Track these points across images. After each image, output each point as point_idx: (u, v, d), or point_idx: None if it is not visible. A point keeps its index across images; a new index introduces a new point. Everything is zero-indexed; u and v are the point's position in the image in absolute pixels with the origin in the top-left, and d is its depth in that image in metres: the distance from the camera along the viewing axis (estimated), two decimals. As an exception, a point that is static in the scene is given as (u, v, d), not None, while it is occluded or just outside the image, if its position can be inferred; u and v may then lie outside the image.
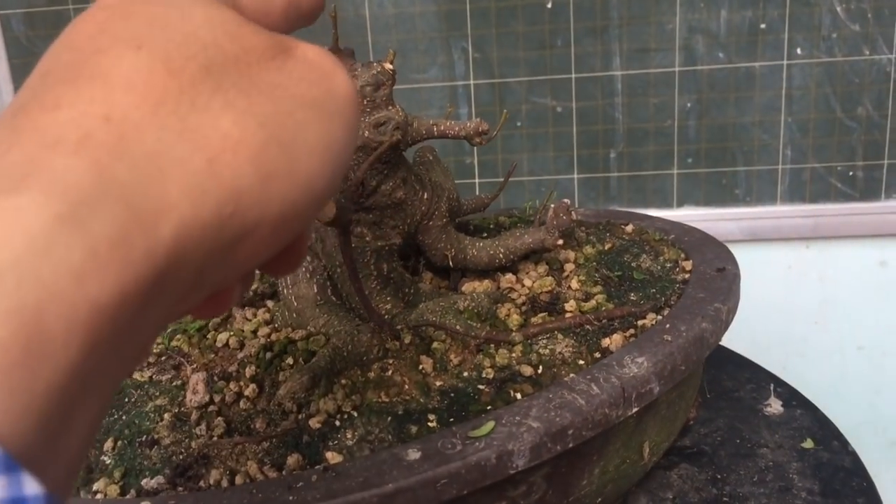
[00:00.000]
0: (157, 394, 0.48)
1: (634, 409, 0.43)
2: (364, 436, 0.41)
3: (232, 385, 0.47)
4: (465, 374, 0.46)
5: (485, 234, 0.65)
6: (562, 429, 0.40)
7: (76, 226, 0.15)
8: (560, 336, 0.49)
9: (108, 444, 0.45)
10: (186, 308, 0.19)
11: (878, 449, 1.21)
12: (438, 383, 0.45)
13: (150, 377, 0.51)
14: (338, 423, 0.42)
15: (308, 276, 0.54)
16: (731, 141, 1.10)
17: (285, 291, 0.54)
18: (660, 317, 0.50)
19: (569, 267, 0.58)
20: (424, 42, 1.10)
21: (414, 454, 0.38)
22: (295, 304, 0.54)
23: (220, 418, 0.45)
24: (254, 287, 0.63)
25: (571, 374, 0.44)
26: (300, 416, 0.44)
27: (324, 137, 0.20)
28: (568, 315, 0.51)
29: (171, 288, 0.17)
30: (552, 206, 0.56)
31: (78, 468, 0.17)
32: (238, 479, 0.40)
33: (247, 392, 0.46)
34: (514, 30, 1.08)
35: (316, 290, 0.54)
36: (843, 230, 1.12)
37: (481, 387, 0.44)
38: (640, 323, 0.50)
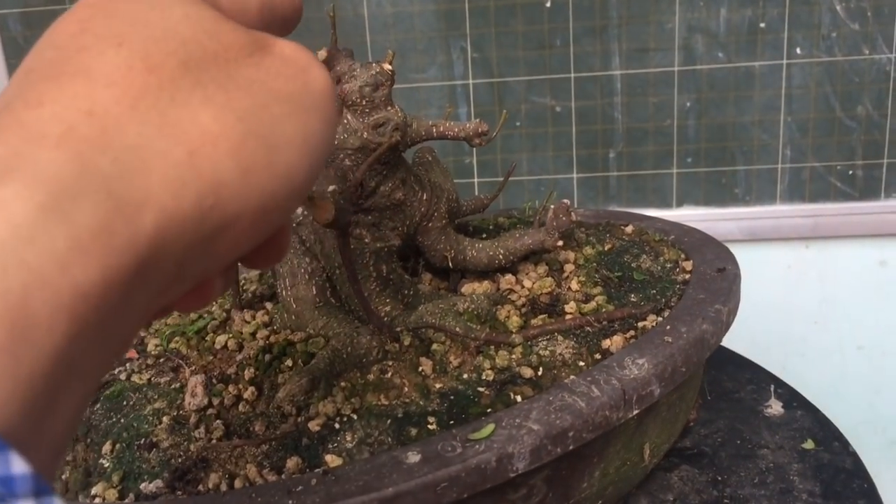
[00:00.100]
0: (156, 397, 0.48)
1: (635, 412, 0.43)
2: (363, 438, 0.41)
3: (231, 388, 0.47)
4: (465, 376, 0.46)
5: (484, 235, 0.65)
6: (562, 431, 0.39)
7: (59, 215, 0.15)
8: (560, 337, 0.49)
9: (107, 448, 0.45)
10: (169, 299, 0.20)
11: (878, 448, 1.21)
12: (438, 385, 0.45)
13: (149, 380, 0.50)
14: (337, 425, 0.42)
15: (307, 277, 0.54)
16: (730, 140, 1.10)
17: (284, 293, 0.54)
18: (660, 318, 0.50)
19: (569, 268, 0.58)
20: (423, 41, 1.10)
21: (414, 457, 0.38)
22: (294, 305, 0.53)
23: (218, 421, 0.44)
24: (253, 289, 0.62)
25: (572, 376, 0.44)
26: (299, 419, 0.43)
27: (301, 130, 0.20)
28: (568, 316, 0.51)
29: (153, 278, 0.17)
30: (552, 206, 0.56)
31: (62, 452, 0.17)
32: (237, 483, 0.40)
33: (246, 395, 0.46)
34: (513, 29, 1.08)
35: (315, 292, 0.53)
36: (842, 230, 1.12)
37: (481, 389, 0.44)
38: (640, 324, 0.50)
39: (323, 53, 0.50)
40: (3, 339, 0.14)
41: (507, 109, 1.10)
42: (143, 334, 0.58)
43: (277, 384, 0.47)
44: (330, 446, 0.41)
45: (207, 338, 0.54)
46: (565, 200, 0.56)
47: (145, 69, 0.18)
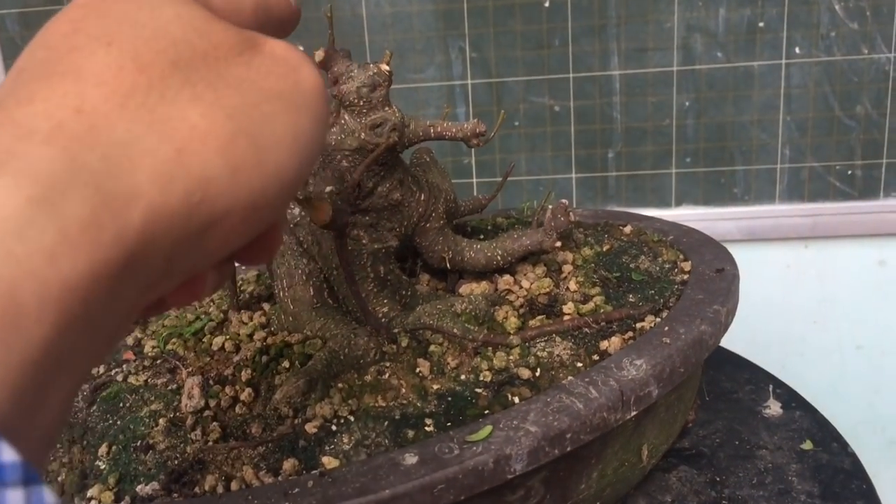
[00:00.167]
0: (153, 398, 0.48)
1: (633, 413, 0.43)
2: (361, 440, 0.41)
3: (228, 389, 0.47)
4: (463, 377, 0.46)
5: (482, 236, 0.65)
6: (560, 433, 0.39)
7: (48, 208, 0.16)
8: (558, 339, 0.48)
9: (103, 450, 0.44)
10: (159, 294, 0.20)
11: (877, 448, 1.21)
12: (436, 387, 0.45)
13: (146, 381, 0.50)
14: (334, 427, 0.42)
15: (304, 279, 0.53)
16: (729, 140, 1.10)
17: (281, 294, 0.54)
18: (658, 319, 0.50)
19: (567, 268, 0.58)
20: (421, 41, 1.09)
21: (411, 459, 0.38)
22: (291, 307, 0.53)
23: (215, 423, 0.44)
24: (250, 290, 0.62)
25: (569, 377, 0.44)
26: (296, 421, 0.43)
27: (291, 129, 0.20)
28: (566, 317, 0.51)
29: (141, 271, 0.18)
30: (550, 207, 0.56)
31: (52, 444, 0.18)
32: (234, 485, 0.40)
33: (242, 396, 0.46)
34: (512, 29, 1.08)
35: (312, 293, 0.53)
36: (841, 229, 1.12)
37: (479, 390, 0.44)
38: (638, 325, 0.50)
39: (320, 54, 0.49)
40: None
41: (506, 109, 1.10)
42: (140, 336, 0.58)
43: (274, 386, 0.46)
44: (327, 448, 0.41)
45: (204, 339, 0.53)
46: (564, 201, 0.56)
47: (135, 68, 0.18)
